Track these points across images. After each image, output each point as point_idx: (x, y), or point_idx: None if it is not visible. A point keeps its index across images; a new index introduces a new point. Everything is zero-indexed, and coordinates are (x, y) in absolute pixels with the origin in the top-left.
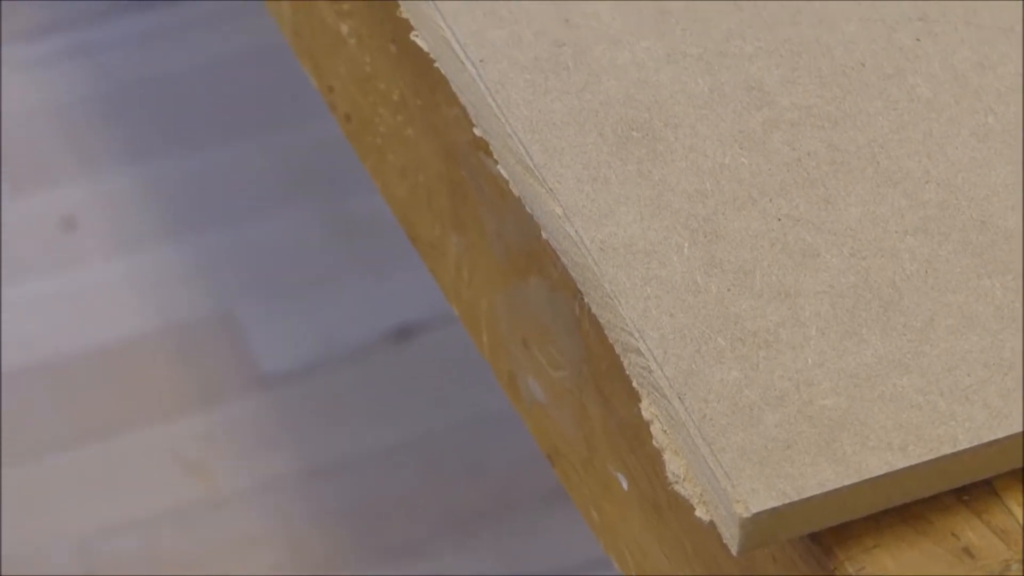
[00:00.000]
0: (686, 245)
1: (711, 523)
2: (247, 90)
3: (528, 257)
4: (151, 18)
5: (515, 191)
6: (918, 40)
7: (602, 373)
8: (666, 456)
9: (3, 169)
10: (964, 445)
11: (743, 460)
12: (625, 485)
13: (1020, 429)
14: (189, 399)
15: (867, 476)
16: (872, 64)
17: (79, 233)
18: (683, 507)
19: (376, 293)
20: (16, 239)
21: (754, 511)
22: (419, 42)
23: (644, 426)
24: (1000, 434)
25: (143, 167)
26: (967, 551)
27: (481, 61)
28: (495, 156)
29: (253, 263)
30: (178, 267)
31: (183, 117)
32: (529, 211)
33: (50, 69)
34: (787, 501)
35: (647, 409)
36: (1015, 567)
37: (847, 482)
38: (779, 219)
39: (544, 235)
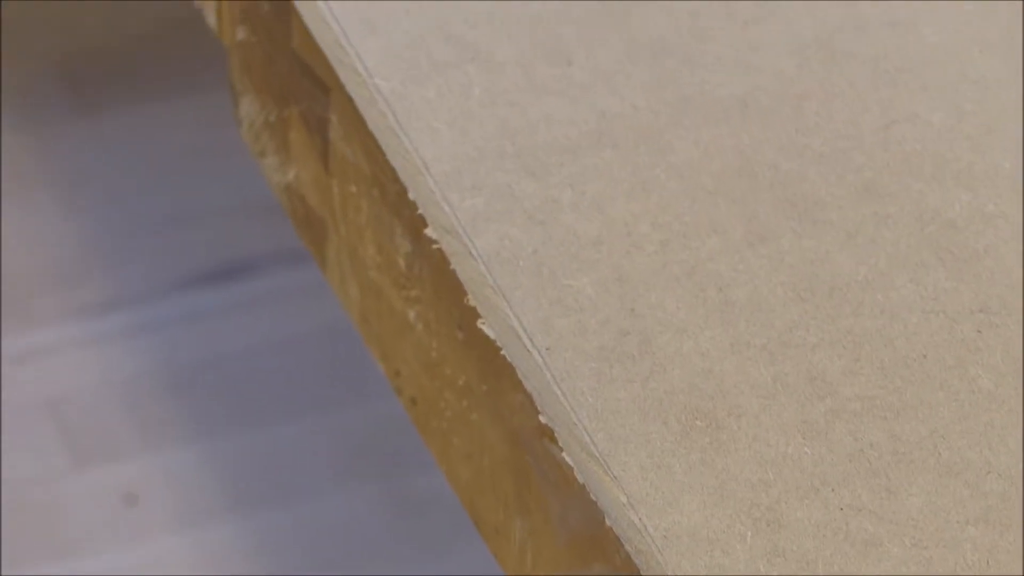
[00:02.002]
0: (749, 534)
1: None
2: (312, 368)
3: (592, 543)
4: (217, 295)
5: (580, 478)
6: (979, 332)
7: None
8: None
9: (67, 443)
10: None
11: None
12: None
13: None
14: None
15: None
16: (934, 356)
17: (141, 508)
18: None
19: (436, 570)
20: (78, 513)
21: None
22: (486, 330)
23: None
24: None
25: (206, 443)
26: None
27: (547, 349)
28: (560, 443)
29: (315, 540)
30: (240, 543)
31: (247, 394)
32: (594, 498)
33: (115, 345)
34: None
35: None
36: None
37: None
38: (841, 508)
39: (608, 522)
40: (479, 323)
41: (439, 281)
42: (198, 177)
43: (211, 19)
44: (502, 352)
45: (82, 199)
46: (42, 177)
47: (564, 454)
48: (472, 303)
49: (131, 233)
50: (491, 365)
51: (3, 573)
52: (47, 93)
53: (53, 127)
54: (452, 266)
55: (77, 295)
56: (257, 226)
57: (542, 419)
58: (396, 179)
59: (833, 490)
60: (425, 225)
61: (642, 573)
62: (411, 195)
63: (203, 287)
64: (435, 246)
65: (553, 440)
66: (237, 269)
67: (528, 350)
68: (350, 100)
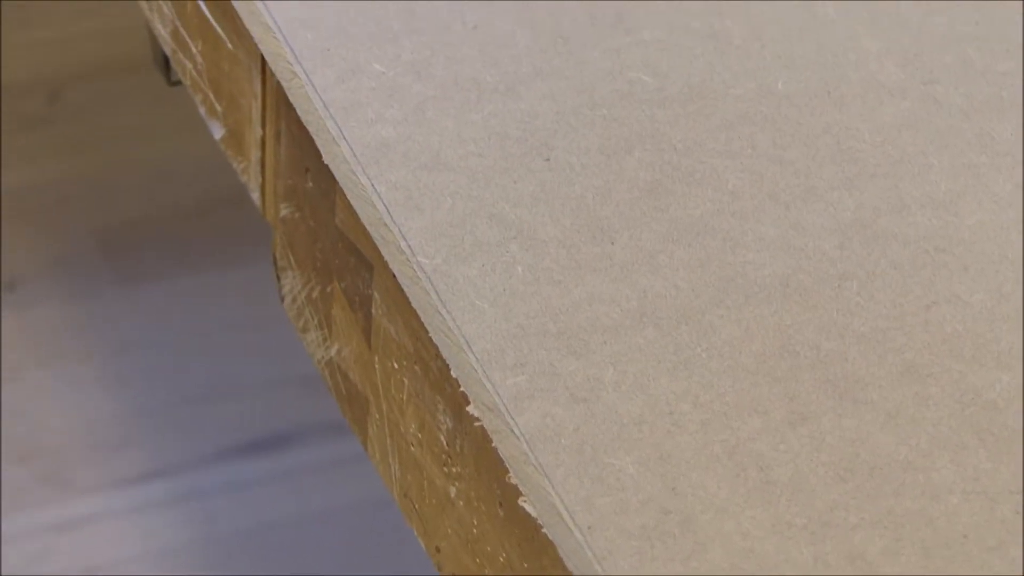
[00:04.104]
0: None
1: None
2: (351, 542)
3: None
4: (256, 467)
5: None
6: (1019, 513)
7: None
8: None
9: None
10: None
11: None
12: None
13: None
14: None
15: None
16: (975, 536)
17: None
18: None
19: None
20: None
21: None
22: (527, 507)
23: None
24: None
25: None
26: None
27: (589, 528)
28: None
29: None
30: None
31: (286, 566)
32: None
33: (154, 515)
34: None
35: None
36: None
37: None
38: None
39: None
40: (520, 501)
41: (481, 458)
42: (238, 349)
43: (255, 195)
44: (543, 530)
45: (123, 370)
46: (83, 348)
47: None
48: (513, 481)
49: (171, 404)
50: (532, 543)
51: None
52: (88, 264)
53: (94, 298)
54: (494, 443)
55: (117, 465)
56: (296, 398)
57: None
58: (438, 356)
59: None
60: (467, 402)
61: None
62: (453, 372)
63: (242, 458)
64: (477, 423)
65: None
66: (276, 441)
67: (569, 528)
68: (393, 277)
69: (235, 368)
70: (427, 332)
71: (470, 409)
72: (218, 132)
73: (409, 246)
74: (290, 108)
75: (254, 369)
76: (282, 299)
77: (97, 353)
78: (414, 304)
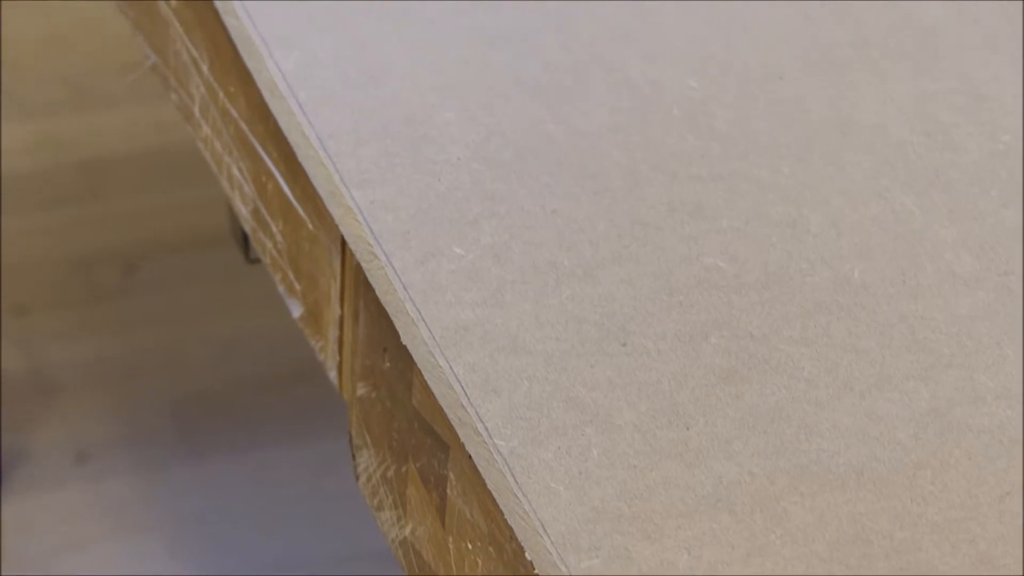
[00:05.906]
0: None
1: None
2: None
3: None
4: None
5: None
6: None
7: None
8: None
9: None
10: None
11: None
12: None
13: None
14: None
15: None
16: None
17: None
18: None
19: None
20: None
21: None
22: None
23: None
24: None
25: None
26: None
27: None
28: None
29: None
30: None
31: None
32: None
33: None
34: None
35: None
36: None
37: None
38: None
39: None
40: None
41: None
42: (309, 524)
43: (332, 373)
44: None
45: (192, 543)
46: (153, 520)
47: None
48: None
49: None
50: None
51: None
52: (161, 437)
53: (166, 471)
54: None
55: None
56: (367, 574)
57: None
58: (513, 538)
59: None
60: None
61: None
62: (528, 555)
63: None
64: None
65: None
66: None
67: None
68: (469, 459)
69: (305, 543)
70: (502, 514)
71: None
72: (296, 310)
73: (486, 428)
74: (369, 289)
75: (325, 544)
76: (357, 477)
77: (167, 526)
78: (490, 486)
